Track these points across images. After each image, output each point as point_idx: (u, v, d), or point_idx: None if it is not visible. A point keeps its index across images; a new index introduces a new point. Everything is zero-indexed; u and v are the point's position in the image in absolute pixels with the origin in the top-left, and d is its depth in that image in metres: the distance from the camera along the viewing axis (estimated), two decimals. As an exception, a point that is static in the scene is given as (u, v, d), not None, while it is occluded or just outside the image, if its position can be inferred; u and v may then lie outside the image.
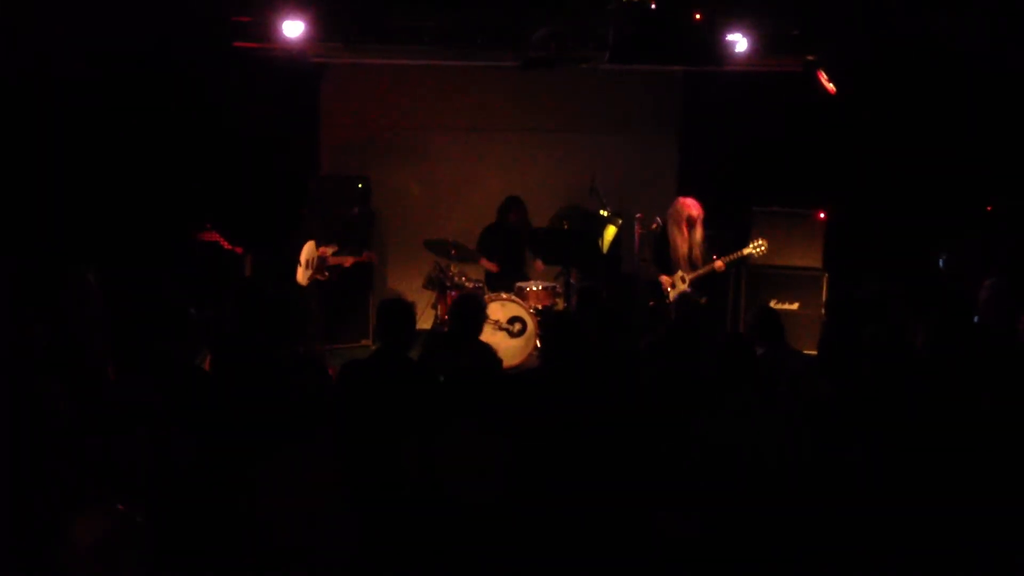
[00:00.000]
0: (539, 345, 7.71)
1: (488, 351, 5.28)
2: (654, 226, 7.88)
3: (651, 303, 7.75)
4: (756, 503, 3.79)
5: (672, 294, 7.69)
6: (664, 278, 7.75)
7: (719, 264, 7.66)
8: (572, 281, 8.16)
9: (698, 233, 7.71)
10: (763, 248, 7.75)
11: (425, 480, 3.84)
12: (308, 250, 7.85)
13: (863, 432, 3.97)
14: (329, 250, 7.98)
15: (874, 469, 3.84)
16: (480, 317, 5.60)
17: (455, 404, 4.11)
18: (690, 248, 7.72)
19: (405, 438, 4.04)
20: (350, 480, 3.80)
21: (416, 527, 3.71)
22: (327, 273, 8.01)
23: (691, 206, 7.70)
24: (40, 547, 2.91)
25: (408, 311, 4.87)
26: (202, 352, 7.50)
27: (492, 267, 8.67)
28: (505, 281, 8.42)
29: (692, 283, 7.69)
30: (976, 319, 5.43)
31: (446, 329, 7.91)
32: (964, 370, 4.40)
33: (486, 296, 8.13)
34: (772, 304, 8.13)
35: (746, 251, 7.73)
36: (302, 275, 7.86)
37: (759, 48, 7.95)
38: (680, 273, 7.73)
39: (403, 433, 4.12)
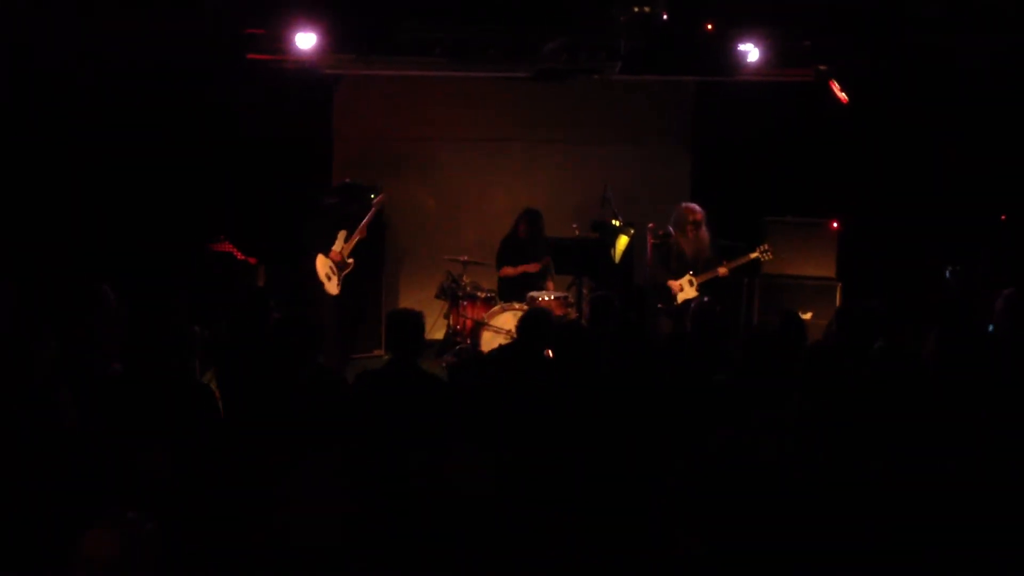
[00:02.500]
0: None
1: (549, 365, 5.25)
2: (661, 232, 7.92)
3: (660, 305, 7.80)
4: (771, 520, 3.76)
5: (680, 297, 7.71)
6: (672, 283, 7.77)
7: (723, 270, 7.76)
8: (584, 291, 8.15)
9: (704, 235, 7.77)
10: (769, 254, 7.84)
11: (432, 489, 3.83)
12: (321, 263, 7.86)
13: (876, 447, 3.93)
14: (339, 246, 7.98)
15: (889, 483, 3.81)
16: (543, 334, 5.26)
17: (462, 415, 4.11)
18: (698, 251, 7.77)
19: (415, 447, 4.04)
20: (361, 489, 3.80)
21: (423, 536, 3.71)
22: (351, 260, 8.02)
23: (694, 210, 7.79)
24: (51, 559, 2.92)
25: (417, 321, 4.87)
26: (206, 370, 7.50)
27: (530, 268, 8.48)
28: (517, 291, 8.41)
29: (700, 286, 7.72)
30: (991, 329, 5.39)
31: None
32: (973, 380, 4.36)
33: (498, 306, 8.12)
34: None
35: (752, 256, 7.88)
36: (332, 287, 7.87)
37: (771, 58, 7.97)
38: (688, 277, 7.76)
39: (413, 442, 4.12)
